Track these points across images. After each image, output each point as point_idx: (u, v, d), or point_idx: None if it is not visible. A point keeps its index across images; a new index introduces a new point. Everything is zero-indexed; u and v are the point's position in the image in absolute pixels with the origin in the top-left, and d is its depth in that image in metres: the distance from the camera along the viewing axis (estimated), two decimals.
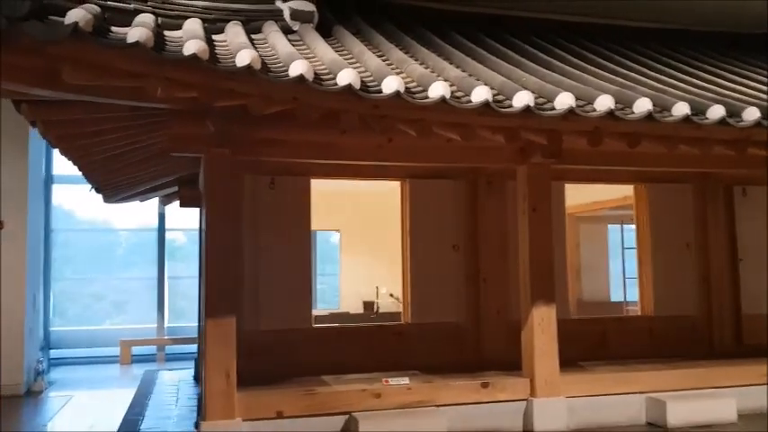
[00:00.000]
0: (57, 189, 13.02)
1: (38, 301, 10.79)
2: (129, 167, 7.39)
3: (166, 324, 13.99)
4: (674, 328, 7.86)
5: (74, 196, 13.83)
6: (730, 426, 6.25)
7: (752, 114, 5.77)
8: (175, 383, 9.01)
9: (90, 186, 9.10)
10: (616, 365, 6.83)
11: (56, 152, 12.22)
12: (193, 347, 11.70)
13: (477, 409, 5.91)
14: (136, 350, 12.81)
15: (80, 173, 7.97)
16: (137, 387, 8.85)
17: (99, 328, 14.25)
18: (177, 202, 10.08)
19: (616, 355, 7.27)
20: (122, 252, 16.07)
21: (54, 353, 12.56)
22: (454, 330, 7.23)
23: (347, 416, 5.58)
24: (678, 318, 7.95)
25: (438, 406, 5.81)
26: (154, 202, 12.12)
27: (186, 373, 9.95)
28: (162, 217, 14.22)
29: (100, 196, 9.59)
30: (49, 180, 12.51)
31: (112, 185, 8.58)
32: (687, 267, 8.12)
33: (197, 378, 9.10)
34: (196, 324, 12.39)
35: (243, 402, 5.33)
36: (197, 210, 10.01)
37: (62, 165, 12.64)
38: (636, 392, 6.40)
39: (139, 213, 14.12)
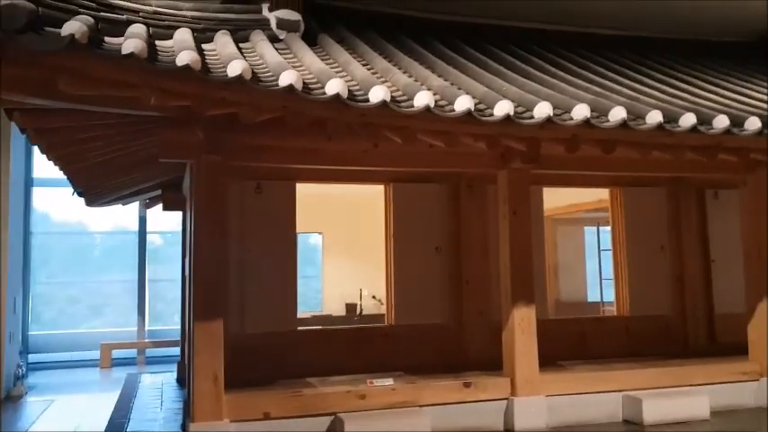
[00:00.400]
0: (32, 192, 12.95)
1: (17, 305, 10.75)
2: (117, 173, 7.46)
3: (149, 327, 14.00)
4: (649, 327, 8.12)
5: (49, 199, 13.77)
6: (703, 422, 6.49)
7: (722, 122, 6.02)
8: (159, 386, 9.05)
9: (72, 190, 9.12)
10: (594, 364, 7.05)
11: (35, 155, 12.29)
12: (174, 350, 11.75)
13: (460, 408, 6.08)
14: (115, 353, 12.80)
15: (61, 176, 7.99)
16: (120, 390, 8.88)
17: (77, 332, 14.17)
18: (160, 206, 10.14)
19: (594, 355, 7.49)
20: (98, 255, 15.97)
21: (32, 357, 12.49)
22: (437, 331, 7.40)
23: (333, 416, 5.71)
24: (653, 317, 8.21)
25: (422, 406, 5.96)
26: (130, 204, 12.14)
27: (169, 376, 9.99)
28: (143, 220, 14.22)
29: (81, 200, 9.60)
30: (28, 183, 12.46)
31: (97, 190, 8.61)
32: (661, 268, 8.38)
33: (180, 381, 9.16)
34: (176, 327, 12.50)
35: (230, 404, 5.43)
36: (174, 212, 10.09)
37: (38, 167, 12.65)
38: (613, 391, 6.60)
39: (115, 216, 14.08)
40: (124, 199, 10.30)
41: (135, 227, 14.34)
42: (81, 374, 11.66)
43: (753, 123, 6.15)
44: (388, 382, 6.05)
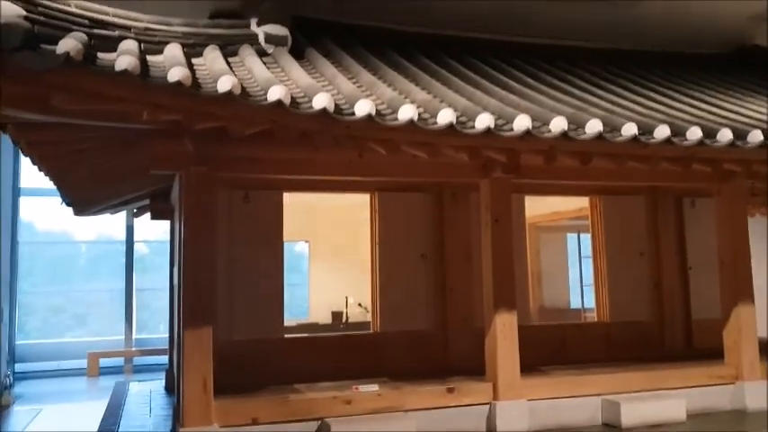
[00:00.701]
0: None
1: (4, 314, 10.80)
2: (107, 183, 7.57)
3: (136, 336, 14.05)
4: (628, 333, 8.32)
5: (33, 208, 13.80)
6: (679, 425, 6.68)
7: (695, 134, 6.25)
8: (147, 394, 9.12)
9: (61, 200, 9.20)
10: (575, 369, 7.23)
11: (22, 165, 12.35)
12: (161, 359, 11.81)
13: (444, 412, 6.23)
14: (102, 362, 12.84)
15: (46, 186, 8.09)
16: (108, 398, 8.94)
17: (64, 341, 14.21)
18: (147, 215, 10.24)
19: (575, 360, 7.66)
20: (83, 264, 15.98)
21: (18, 366, 12.50)
22: (422, 338, 7.55)
23: (319, 421, 5.84)
24: (632, 323, 8.41)
25: (407, 411, 6.11)
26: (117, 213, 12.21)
27: (157, 384, 10.05)
28: (130, 229, 14.29)
29: (67, 209, 9.67)
30: (16, 193, 12.52)
31: (87, 200, 8.71)
32: (640, 275, 8.60)
33: (168, 388, 9.23)
34: (163, 335, 12.57)
35: (219, 409, 5.55)
36: (159, 221, 10.17)
37: (23, 178, 12.69)
38: (593, 395, 6.78)
39: (99, 225, 14.14)
40: (113, 208, 10.39)
41: (119, 236, 14.41)
42: (68, 383, 11.72)
43: (725, 135, 6.39)
44: (374, 387, 6.20)
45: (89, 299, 15.11)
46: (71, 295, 15.09)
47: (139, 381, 10.73)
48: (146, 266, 15.35)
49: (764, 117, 7.46)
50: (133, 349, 13.54)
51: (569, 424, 6.60)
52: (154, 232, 14.29)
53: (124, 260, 14.39)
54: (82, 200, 8.77)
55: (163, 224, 10.34)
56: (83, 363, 12.76)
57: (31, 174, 12.36)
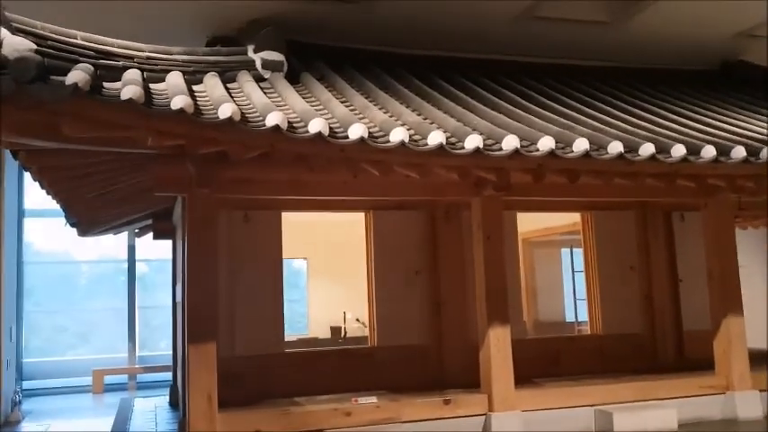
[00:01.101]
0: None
1: (12, 333, 11.00)
2: (112, 205, 7.81)
3: (138, 353, 14.22)
4: (621, 345, 8.50)
5: (34, 229, 14.01)
6: None
7: (679, 151, 6.48)
8: (152, 410, 9.29)
9: (65, 221, 9.44)
10: (568, 381, 7.41)
11: (27, 187, 12.61)
12: (164, 375, 11.99)
13: (440, 424, 6.40)
14: (107, 379, 13.01)
15: (48, 206, 8.33)
16: (115, 414, 9.12)
17: (68, 359, 14.37)
18: (150, 235, 10.47)
19: (569, 372, 7.83)
20: (84, 283, 16.15)
21: (26, 384, 12.68)
22: (418, 352, 7.74)
23: None
24: (625, 335, 8.59)
25: (404, 422, 6.30)
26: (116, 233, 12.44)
27: (161, 399, 10.21)
28: (132, 249, 14.51)
29: (69, 229, 9.90)
30: (21, 214, 12.76)
31: (91, 221, 8.95)
32: (632, 288, 8.79)
33: (173, 404, 9.42)
34: (164, 352, 12.74)
35: (224, 421, 5.74)
36: (158, 241, 10.39)
37: (26, 199, 12.94)
38: (586, 405, 6.95)
39: (99, 245, 14.31)
40: (115, 229, 10.62)
41: (119, 255, 14.62)
42: (74, 400, 11.89)
43: (708, 151, 6.61)
44: (372, 399, 6.39)
45: (91, 317, 15.28)
46: (73, 314, 15.26)
47: (144, 397, 10.91)
48: (146, 285, 15.55)
49: (748, 132, 7.71)
50: (137, 366, 13.71)
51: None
52: (154, 252, 14.46)
53: (125, 279, 14.61)
54: (87, 221, 9.01)
55: (162, 243, 10.57)
56: (88, 380, 12.93)
57: (31, 195, 12.67)
